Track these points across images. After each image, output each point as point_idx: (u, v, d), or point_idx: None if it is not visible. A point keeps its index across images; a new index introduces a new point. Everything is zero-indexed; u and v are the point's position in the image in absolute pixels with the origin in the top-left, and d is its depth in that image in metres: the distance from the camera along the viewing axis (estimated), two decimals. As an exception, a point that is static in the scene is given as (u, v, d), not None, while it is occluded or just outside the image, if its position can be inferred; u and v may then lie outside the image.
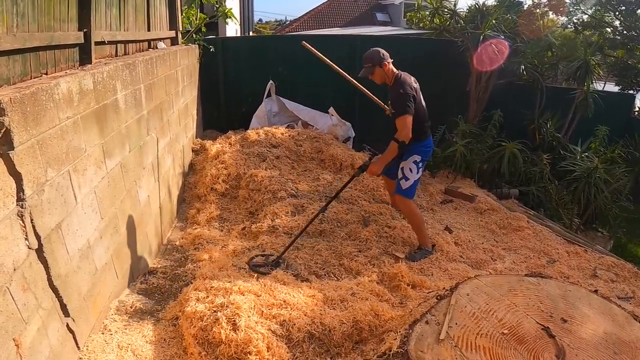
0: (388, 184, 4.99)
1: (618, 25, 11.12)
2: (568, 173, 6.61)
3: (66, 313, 2.43)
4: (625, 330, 2.35)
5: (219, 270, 3.60)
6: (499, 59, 7.00)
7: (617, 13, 10.80)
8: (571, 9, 11.83)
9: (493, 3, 8.65)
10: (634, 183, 7.06)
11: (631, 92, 10.48)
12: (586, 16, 11.79)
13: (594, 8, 11.29)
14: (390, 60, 4.23)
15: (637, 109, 9.14)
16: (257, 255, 4.02)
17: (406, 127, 3.99)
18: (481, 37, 7.07)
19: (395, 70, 4.25)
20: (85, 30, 3.17)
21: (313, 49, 5.14)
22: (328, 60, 5.08)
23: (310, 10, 29.87)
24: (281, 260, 3.94)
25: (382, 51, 4.21)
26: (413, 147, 4.21)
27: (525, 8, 8.62)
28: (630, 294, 3.99)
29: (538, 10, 8.43)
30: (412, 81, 4.21)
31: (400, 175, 4.33)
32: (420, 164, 4.30)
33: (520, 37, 7.47)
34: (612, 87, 11.26)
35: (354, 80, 5.04)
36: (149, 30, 4.93)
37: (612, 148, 7.00)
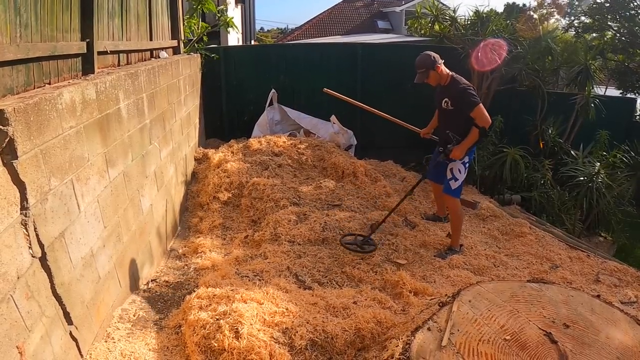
0: (436, 189, 5.14)
1: (619, 28, 11.09)
2: (570, 178, 6.61)
3: (69, 321, 2.43)
4: (628, 335, 2.35)
5: (222, 279, 3.61)
6: (497, 60, 7.01)
7: (617, 17, 10.79)
8: (572, 10, 11.80)
9: (494, 9, 8.68)
10: (636, 187, 7.05)
11: (632, 96, 10.47)
12: (588, 19, 11.78)
13: (594, 13, 11.28)
14: (442, 61, 4.33)
15: (638, 113, 9.14)
16: (346, 235, 4.46)
17: (484, 114, 4.19)
18: (481, 43, 7.11)
19: (448, 70, 4.37)
20: (87, 40, 3.20)
21: (335, 93, 5.27)
22: (353, 101, 5.23)
23: (312, 19, 30.04)
24: (370, 239, 4.35)
25: (433, 54, 4.30)
26: None
27: (527, 12, 8.65)
28: (634, 298, 3.98)
29: (537, 15, 8.46)
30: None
31: (449, 175, 4.50)
32: (467, 164, 4.47)
33: (520, 44, 7.49)
34: (613, 92, 11.25)
35: (384, 114, 5.30)
36: (151, 39, 4.97)
37: (614, 153, 7.00)
